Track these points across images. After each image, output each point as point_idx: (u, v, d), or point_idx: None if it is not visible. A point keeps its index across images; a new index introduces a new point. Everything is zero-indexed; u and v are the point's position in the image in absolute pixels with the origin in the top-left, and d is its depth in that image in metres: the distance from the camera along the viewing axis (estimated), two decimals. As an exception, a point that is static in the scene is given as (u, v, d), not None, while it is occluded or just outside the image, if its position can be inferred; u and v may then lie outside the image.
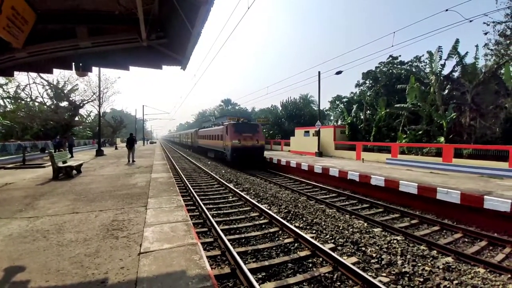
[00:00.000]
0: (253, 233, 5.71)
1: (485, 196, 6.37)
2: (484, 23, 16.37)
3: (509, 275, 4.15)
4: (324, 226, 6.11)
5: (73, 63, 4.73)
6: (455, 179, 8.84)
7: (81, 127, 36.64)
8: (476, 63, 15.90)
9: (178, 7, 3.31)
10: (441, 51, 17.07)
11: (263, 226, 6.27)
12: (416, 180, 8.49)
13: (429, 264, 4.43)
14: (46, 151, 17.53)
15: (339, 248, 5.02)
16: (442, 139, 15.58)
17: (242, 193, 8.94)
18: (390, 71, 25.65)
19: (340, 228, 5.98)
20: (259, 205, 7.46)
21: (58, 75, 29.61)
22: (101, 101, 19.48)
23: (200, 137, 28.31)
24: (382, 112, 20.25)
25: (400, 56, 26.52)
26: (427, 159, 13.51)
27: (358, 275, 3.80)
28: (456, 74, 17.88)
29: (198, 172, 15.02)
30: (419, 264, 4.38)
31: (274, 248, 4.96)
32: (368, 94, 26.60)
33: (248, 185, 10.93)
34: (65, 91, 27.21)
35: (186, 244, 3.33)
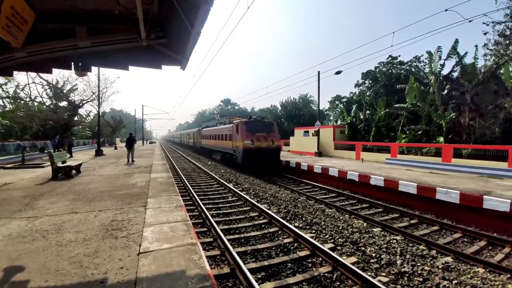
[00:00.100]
0: (252, 233, 5.71)
1: (484, 196, 6.38)
2: (484, 23, 16.43)
3: (509, 275, 4.16)
4: (323, 226, 6.11)
5: (73, 63, 4.72)
6: (455, 179, 8.85)
7: (80, 127, 36.58)
8: (476, 63, 15.93)
9: (178, 7, 3.30)
10: (441, 51, 17.11)
11: (263, 226, 6.27)
12: (416, 180, 8.50)
13: (429, 264, 4.43)
14: (45, 151, 17.50)
15: (339, 248, 5.02)
16: (441, 139, 15.61)
17: (241, 193, 8.94)
18: (390, 71, 25.69)
19: (340, 228, 5.98)
20: (258, 205, 7.46)
21: (58, 74, 29.66)
22: (100, 101, 19.46)
23: (204, 137, 25.92)
24: (382, 112, 20.28)
25: (399, 56, 26.63)
26: (426, 159, 13.53)
27: (357, 275, 3.80)
28: (455, 74, 17.92)
29: (198, 172, 15.02)
30: (419, 264, 4.38)
31: (273, 248, 4.96)
32: (367, 94, 26.64)
33: (248, 185, 10.93)
34: (65, 91, 27.17)
35: (186, 244, 3.33)
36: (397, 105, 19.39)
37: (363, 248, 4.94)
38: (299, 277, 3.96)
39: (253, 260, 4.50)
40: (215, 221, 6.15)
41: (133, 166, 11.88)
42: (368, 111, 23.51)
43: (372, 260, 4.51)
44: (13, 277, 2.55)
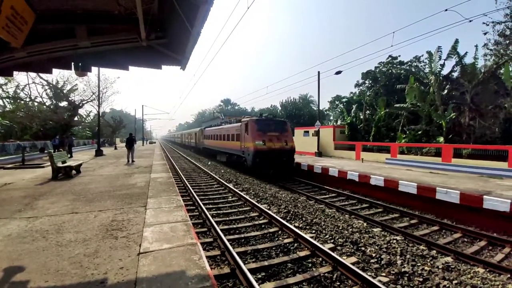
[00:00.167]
0: (252, 233, 5.71)
1: (484, 196, 6.38)
2: (484, 23, 16.44)
3: (509, 275, 4.16)
4: (323, 226, 6.11)
5: (73, 63, 4.73)
6: (455, 179, 8.85)
7: (80, 127, 36.63)
8: (476, 63, 15.94)
9: (178, 7, 3.31)
10: (441, 51, 17.12)
11: (263, 226, 6.26)
12: (416, 180, 8.50)
13: (429, 264, 4.43)
14: (45, 151, 17.50)
15: (339, 248, 5.02)
16: (441, 139, 15.61)
17: (241, 193, 8.93)
18: (390, 71, 25.70)
19: (340, 228, 5.98)
20: (258, 205, 7.46)
21: (58, 75, 29.65)
22: (100, 101, 19.45)
23: (207, 137, 24.21)
24: (382, 112, 20.29)
25: (399, 56, 26.64)
26: (426, 159, 13.53)
27: (357, 275, 3.80)
28: (455, 74, 17.93)
29: (198, 172, 15.01)
30: (419, 264, 4.38)
31: (273, 248, 4.95)
32: (367, 94, 26.65)
33: (248, 185, 10.93)
34: (65, 91, 27.18)
35: (186, 244, 3.33)
36: (397, 105, 19.41)
37: (363, 248, 4.94)
38: (299, 277, 3.96)
39: (253, 260, 4.50)
40: (215, 221, 6.15)
41: (133, 166, 11.88)
42: (368, 111, 23.52)
43: (372, 260, 4.51)
44: (13, 277, 2.55)
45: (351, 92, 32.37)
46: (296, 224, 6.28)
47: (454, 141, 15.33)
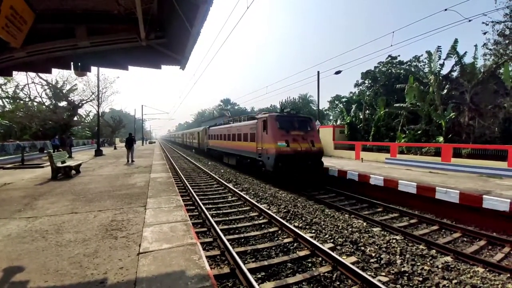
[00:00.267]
0: (252, 233, 5.71)
1: (484, 196, 6.39)
2: (483, 22, 16.43)
3: (508, 275, 4.17)
4: (323, 226, 6.12)
5: (72, 63, 4.73)
6: (454, 179, 8.86)
7: (80, 127, 36.59)
8: (475, 62, 15.95)
9: (178, 7, 3.31)
10: (440, 51, 17.12)
11: (263, 225, 6.27)
12: (415, 180, 8.51)
13: (428, 263, 4.44)
14: (45, 151, 17.49)
15: (338, 247, 5.02)
16: (441, 138, 15.63)
17: (241, 193, 8.93)
18: (389, 70, 25.72)
19: (339, 228, 5.99)
20: (258, 204, 7.46)
21: (57, 75, 29.69)
22: (100, 101, 19.51)
23: (212, 137, 21.95)
24: (381, 112, 20.30)
25: (399, 56, 26.66)
26: (426, 158, 13.54)
27: (357, 274, 3.80)
28: (455, 74, 17.96)
29: (197, 172, 15.01)
30: (418, 264, 4.39)
31: (273, 248, 4.96)
32: (367, 93, 26.68)
33: (248, 185, 10.93)
34: (64, 91, 27.17)
35: (185, 244, 3.33)
36: (397, 105, 19.42)
37: (363, 248, 4.94)
38: (299, 277, 3.96)
39: (253, 260, 4.50)
40: (215, 221, 6.15)
41: (133, 166, 11.87)
42: (367, 111, 23.53)
43: (372, 260, 4.51)
44: (13, 277, 2.55)
45: (351, 92, 32.44)
46: (296, 224, 6.28)
47: (453, 141, 15.34)
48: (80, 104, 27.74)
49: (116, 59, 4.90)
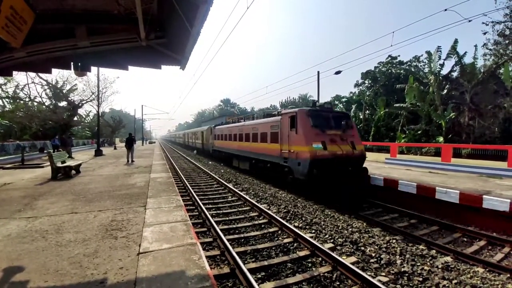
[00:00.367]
0: (252, 233, 5.71)
1: (484, 196, 6.39)
2: (483, 23, 16.45)
3: (508, 275, 4.17)
4: (323, 226, 6.12)
5: (72, 63, 4.73)
6: (454, 179, 8.86)
7: (80, 127, 36.61)
8: (475, 63, 15.98)
9: (177, 7, 3.31)
10: (440, 51, 17.15)
11: (263, 226, 6.26)
12: (415, 180, 8.50)
13: (428, 263, 4.44)
14: (45, 151, 17.49)
15: (338, 247, 5.02)
16: (441, 138, 15.64)
17: (241, 193, 8.93)
18: (389, 71, 25.73)
19: (339, 228, 5.99)
20: (258, 205, 7.46)
21: (57, 75, 29.67)
22: (100, 101, 19.50)
23: (220, 137, 19.43)
24: (381, 112, 20.31)
25: (399, 56, 26.68)
26: (426, 158, 13.55)
27: (357, 274, 3.80)
28: (455, 74, 17.99)
29: (197, 172, 15.01)
30: (418, 264, 4.38)
31: (273, 248, 4.95)
32: (367, 94, 26.67)
33: (248, 185, 10.93)
34: (64, 91, 27.16)
35: (185, 244, 3.33)
36: (397, 105, 19.44)
37: (362, 248, 4.94)
38: (299, 277, 3.96)
39: (253, 260, 4.50)
40: (215, 221, 6.14)
41: (133, 166, 11.87)
42: (367, 111, 23.54)
43: (371, 260, 4.51)
44: (13, 277, 2.55)
45: (351, 92, 32.44)
46: (296, 224, 6.28)
47: (453, 141, 15.36)
48: (80, 104, 27.73)
49: (116, 59, 4.90)
